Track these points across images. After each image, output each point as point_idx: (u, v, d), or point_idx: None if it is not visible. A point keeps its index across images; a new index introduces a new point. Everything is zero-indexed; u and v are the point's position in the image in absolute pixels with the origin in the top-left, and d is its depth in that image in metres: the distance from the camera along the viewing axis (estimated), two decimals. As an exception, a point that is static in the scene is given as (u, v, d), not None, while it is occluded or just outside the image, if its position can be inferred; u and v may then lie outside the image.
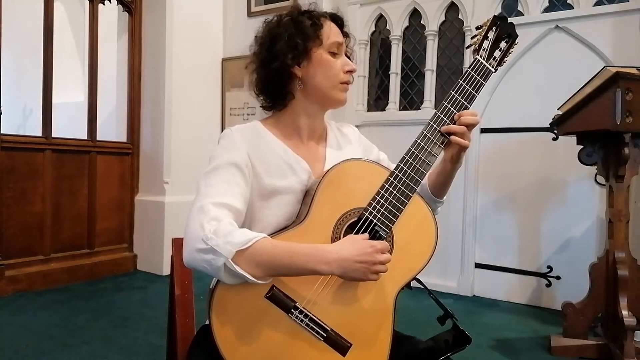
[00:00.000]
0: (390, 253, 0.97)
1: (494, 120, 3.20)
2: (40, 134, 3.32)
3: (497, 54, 1.05)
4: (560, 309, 2.34)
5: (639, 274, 2.20)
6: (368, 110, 3.74)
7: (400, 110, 3.63)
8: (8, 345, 2.24)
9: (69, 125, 3.66)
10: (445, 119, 1.01)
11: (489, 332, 2.57)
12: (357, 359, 0.95)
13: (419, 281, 1.06)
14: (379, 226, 0.96)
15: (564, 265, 3.03)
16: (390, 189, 0.96)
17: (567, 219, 3.03)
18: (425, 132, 1.00)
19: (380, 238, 0.96)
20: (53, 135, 3.33)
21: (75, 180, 3.48)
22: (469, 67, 1.03)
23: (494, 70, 1.04)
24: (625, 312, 2.06)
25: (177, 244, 1.13)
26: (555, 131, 2.51)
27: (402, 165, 0.98)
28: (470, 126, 1.01)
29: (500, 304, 3.16)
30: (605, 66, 2.15)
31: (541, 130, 2.98)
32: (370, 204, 0.96)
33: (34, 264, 3.21)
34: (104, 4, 3.67)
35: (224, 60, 4.15)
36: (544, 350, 2.33)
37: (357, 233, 0.95)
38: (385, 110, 3.66)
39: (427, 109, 3.45)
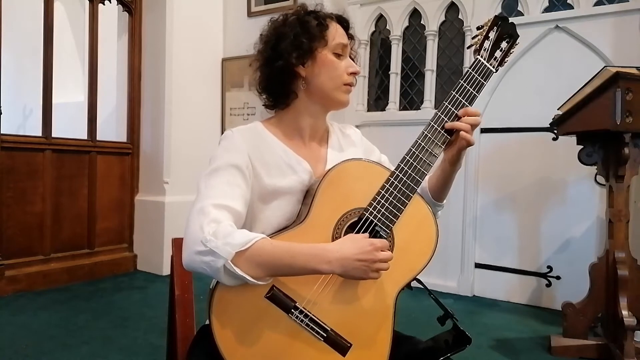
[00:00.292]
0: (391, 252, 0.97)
1: (494, 120, 3.20)
2: (40, 134, 3.32)
3: (498, 54, 1.05)
4: (560, 309, 2.34)
5: (639, 274, 2.21)
6: (368, 110, 3.74)
7: (400, 110, 3.63)
8: (8, 345, 2.24)
9: (69, 125, 3.66)
10: (445, 119, 1.01)
11: (489, 332, 2.57)
12: (357, 359, 0.95)
13: (419, 281, 1.06)
14: (380, 226, 0.96)
15: (564, 265, 3.03)
16: (391, 189, 0.96)
17: (567, 219, 3.03)
18: (425, 132, 1.00)
19: (380, 238, 0.96)
20: (53, 135, 3.33)
21: (75, 180, 3.48)
22: (470, 67, 1.03)
23: (494, 71, 1.04)
24: (625, 312, 2.06)
25: (177, 244, 1.12)
26: (555, 131, 2.51)
27: (402, 165, 0.98)
28: (472, 126, 1.01)
29: (500, 304, 3.16)
30: (605, 66, 2.15)
31: (541, 130, 2.98)
32: (370, 204, 0.96)
33: (34, 264, 3.21)
34: (104, 4, 3.67)
35: (224, 60, 4.15)
36: (544, 350, 2.33)
37: (357, 233, 0.95)
38: (385, 110, 3.66)
39: (427, 109, 3.45)
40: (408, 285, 1.00)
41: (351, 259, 0.87)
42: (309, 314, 0.92)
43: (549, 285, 3.08)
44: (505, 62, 1.06)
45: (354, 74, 1.06)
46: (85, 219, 3.55)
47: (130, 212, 3.85)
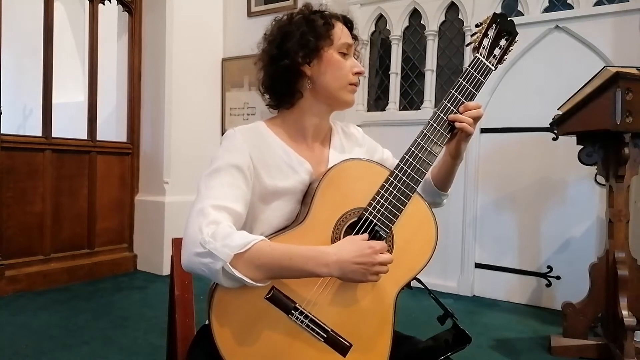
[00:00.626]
0: (390, 253, 0.97)
1: (494, 120, 3.20)
2: (40, 134, 3.32)
3: (497, 51, 1.04)
4: (560, 309, 2.34)
5: (639, 274, 2.20)
6: (368, 110, 3.75)
7: (400, 110, 3.64)
8: (8, 345, 2.23)
9: (69, 125, 3.66)
10: (445, 117, 1.01)
11: (489, 332, 2.57)
12: (357, 359, 0.95)
13: (419, 281, 1.06)
14: (379, 226, 0.95)
15: (564, 265, 3.03)
16: (390, 188, 0.96)
17: (567, 219, 3.03)
18: (425, 131, 1.00)
19: (380, 238, 0.96)
20: (53, 135, 3.33)
21: (75, 180, 3.48)
22: (469, 66, 1.03)
23: (494, 69, 1.04)
24: (625, 312, 2.06)
25: (177, 244, 1.12)
26: (555, 131, 2.51)
27: (402, 164, 0.98)
28: (475, 119, 1.01)
29: (500, 304, 3.16)
30: (605, 66, 2.15)
31: (541, 130, 2.98)
32: (370, 204, 0.96)
33: (34, 264, 3.21)
34: (104, 4, 3.67)
35: (224, 60, 4.15)
36: (544, 350, 2.33)
37: (357, 233, 0.95)
38: (385, 110, 3.66)
39: (427, 109, 3.45)
40: (408, 285, 1.00)
41: (350, 262, 0.87)
42: (309, 314, 0.92)
43: (549, 285, 3.08)
44: (504, 60, 1.06)
45: (358, 73, 1.06)
46: (85, 219, 3.55)
47: (130, 212, 3.85)
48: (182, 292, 1.12)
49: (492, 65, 1.04)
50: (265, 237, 0.93)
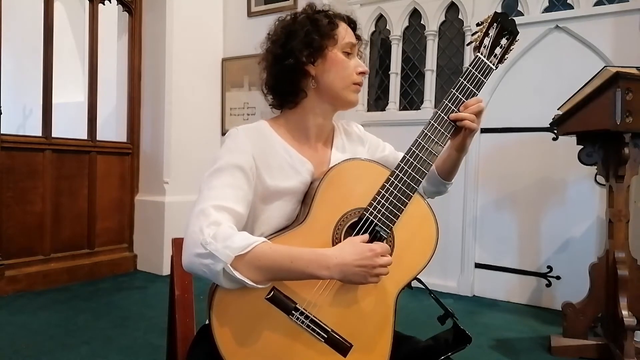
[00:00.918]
0: (391, 253, 0.97)
1: (494, 120, 3.20)
2: (40, 134, 3.32)
3: (497, 51, 1.04)
4: (560, 309, 2.34)
5: (639, 274, 2.20)
6: (368, 110, 3.75)
7: (400, 110, 3.64)
8: (8, 345, 2.23)
9: (69, 125, 3.66)
10: (446, 117, 1.01)
11: (489, 332, 2.57)
12: None
13: (419, 281, 1.06)
14: (380, 226, 0.95)
15: (564, 265, 3.03)
16: (391, 188, 0.96)
17: (567, 219, 3.03)
18: (426, 131, 1.00)
19: (380, 238, 0.96)
20: (53, 135, 3.33)
21: (75, 180, 3.48)
22: (470, 65, 1.03)
23: (494, 68, 1.04)
24: (625, 312, 2.05)
25: (177, 244, 1.12)
26: (555, 131, 2.51)
27: (402, 164, 0.98)
28: (477, 114, 1.02)
29: (500, 304, 3.16)
30: (605, 66, 2.15)
31: (541, 130, 2.98)
32: (370, 204, 0.96)
33: (34, 264, 3.21)
34: (104, 4, 3.67)
35: (224, 60, 4.15)
36: (544, 350, 2.33)
37: (357, 233, 0.95)
38: (385, 110, 3.66)
39: (427, 109, 3.45)
40: (408, 285, 1.00)
41: (351, 264, 0.87)
42: (309, 315, 0.92)
43: (549, 285, 3.08)
44: (505, 59, 1.06)
45: (362, 73, 1.06)
46: (85, 219, 3.55)
47: (130, 212, 3.85)
48: (182, 292, 1.12)
49: (493, 64, 1.03)
50: (266, 237, 0.93)
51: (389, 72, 3.65)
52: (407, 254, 0.98)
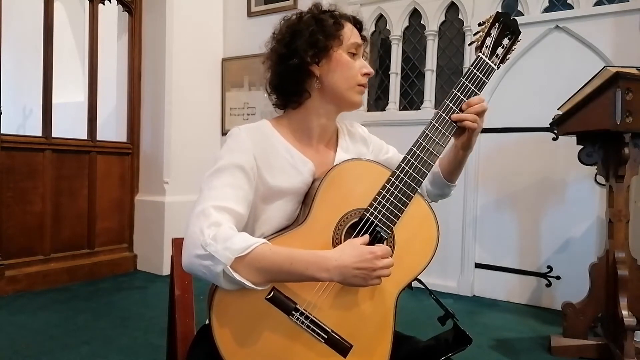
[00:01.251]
0: (392, 254, 0.97)
1: (494, 120, 3.19)
2: (40, 134, 3.32)
3: (499, 51, 1.04)
4: (560, 309, 2.34)
5: (639, 274, 2.20)
6: (368, 110, 3.75)
7: (400, 110, 3.64)
8: (8, 345, 2.23)
9: (69, 125, 3.66)
10: (447, 118, 1.00)
11: (489, 332, 2.57)
12: (357, 360, 0.95)
13: (419, 281, 1.05)
14: (380, 227, 0.95)
15: (564, 265, 3.03)
16: (392, 189, 0.96)
17: (567, 219, 3.03)
18: (427, 131, 1.00)
19: (381, 239, 0.96)
20: (53, 135, 3.33)
21: (75, 180, 3.48)
22: (471, 65, 1.02)
23: (496, 68, 1.03)
24: (625, 312, 2.05)
25: (177, 244, 1.12)
26: (555, 131, 2.51)
27: (403, 165, 0.98)
28: (480, 114, 1.01)
29: (500, 304, 3.16)
30: (605, 66, 2.15)
31: (541, 130, 2.99)
32: (371, 205, 0.96)
33: (34, 264, 3.21)
34: (104, 4, 3.67)
35: (224, 60, 4.15)
36: (544, 350, 2.33)
37: (358, 233, 0.95)
38: (385, 110, 3.66)
39: (427, 109, 3.45)
40: (409, 285, 1.00)
41: (351, 267, 0.87)
42: (309, 315, 0.92)
43: (549, 285, 3.08)
44: (507, 59, 1.05)
45: (367, 74, 1.06)
46: (85, 219, 3.55)
47: (130, 212, 3.85)
48: (182, 292, 1.12)
49: (495, 64, 1.03)
50: (266, 237, 0.93)
51: (389, 72, 3.65)
52: (407, 255, 0.98)
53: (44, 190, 3.28)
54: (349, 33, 1.04)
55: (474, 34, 1.07)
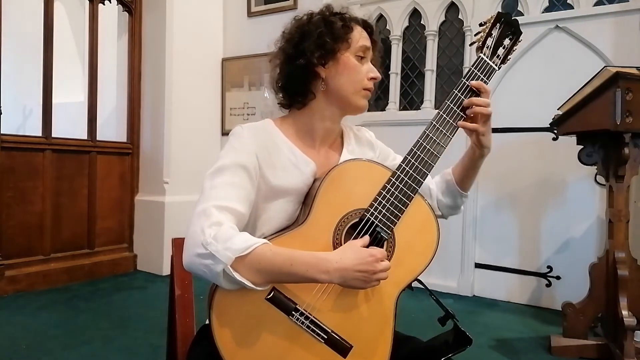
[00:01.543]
0: (392, 254, 0.97)
1: (494, 120, 3.11)
2: (40, 134, 3.32)
3: (500, 51, 1.04)
4: (560, 309, 2.34)
5: (639, 274, 2.20)
6: (368, 110, 3.71)
7: (400, 110, 3.64)
8: (8, 345, 2.23)
9: (69, 125, 3.66)
10: (448, 118, 1.00)
11: (489, 332, 2.57)
12: (358, 360, 0.95)
13: (419, 281, 1.05)
14: (381, 227, 0.95)
15: (564, 265, 3.03)
16: (392, 189, 0.96)
17: (567, 219, 3.03)
18: (427, 132, 1.00)
19: (381, 239, 0.96)
20: (53, 135, 3.33)
21: (75, 180, 3.48)
22: (472, 65, 1.02)
23: (497, 69, 1.03)
24: (625, 312, 2.05)
25: (177, 244, 1.12)
26: (555, 131, 2.51)
27: (403, 165, 0.97)
28: (483, 119, 1.01)
29: (500, 304, 3.16)
30: (605, 66, 2.15)
31: (541, 130, 2.99)
32: (371, 205, 0.95)
33: (34, 264, 3.21)
34: (104, 4, 3.67)
35: (224, 60, 4.15)
36: (544, 350, 2.33)
37: (358, 234, 0.95)
38: (385, 110, 3.66)
39: (427, 109, 3.45)
40: (409, 286, 1.00)
41: (351, 270, 0.87)
42: (309, 315, 0.92)
43: (549, 285, 3.08)
44: (508, 60, 1.05)
45: (374, 79, 1.05)
46: (85, 219, 3.55)
47: (130, 212, 3.85)
48: (182, 292, 1.12)
49: (496, 65, 1.03)
50: (266, 237, 0.93)
51: (389, 72, 3.65)
52: (407, 255, 0.98)
53: (44, 190, 3.28)
54: (358, 36, 1.03)
55: (475, 34, 1.06)
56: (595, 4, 2.97)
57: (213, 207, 0.90)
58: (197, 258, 0.85)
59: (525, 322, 2.79)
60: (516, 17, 1.15)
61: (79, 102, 4.43)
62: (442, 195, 1.17)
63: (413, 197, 0.97)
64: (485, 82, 1.02)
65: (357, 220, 0.96)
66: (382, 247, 0.96)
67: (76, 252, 3.47)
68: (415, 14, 3.59)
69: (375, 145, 1.19)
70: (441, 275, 3.32)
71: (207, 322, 0.95)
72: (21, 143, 3.18)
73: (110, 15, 3.91)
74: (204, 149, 3.95)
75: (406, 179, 0.97)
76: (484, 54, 1.02)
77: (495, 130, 3.24)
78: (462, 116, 1.01)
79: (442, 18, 3.48)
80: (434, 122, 1.00)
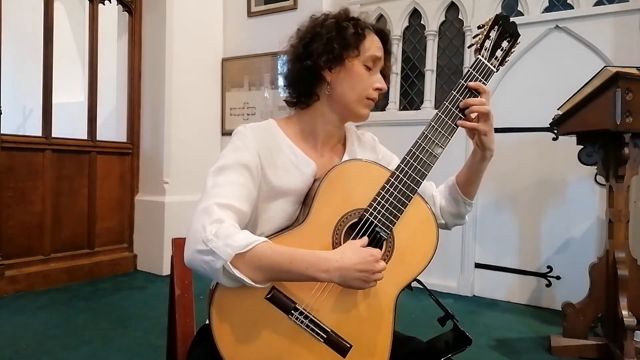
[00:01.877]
0: (391, 254, 0.97)
1: (494, 120, 3.19)
2: (40, 134, 3.32)
3: (498, 53, 1.04)
4: (560, 309, 2.34)
5: (639, 274, 2.20)
6: (368, 110, 3.74)
7: (400, 110, 3.64)
8: (8, 345, 2.23)
9: (69, 125, 3.66)
10: (446, 119, 1.00)
11: (489, 332, 2.57)
12: (357, 360, 0.95)
13: (419, 282, 1.05)
14: (380, 227, 0.95)
15: (564, 265, 3.03)
16: (391, 189, 0.96)
17: (567, 219, 3.03)
18: (426, 133, 1.00)
19: (380, 239, 0.96)
20: (53, 135, 3.33)
21: (75, 180, 3.48)
22: (471, 67, 1.02)
23: (495, 70, 1.03)
24: (625, 312, 2.05)
25: (177, 244, 1.12)
26: (555, 131, 2.51)
27: (402, 165, 0.98)
28: (481, 117, 1.01)
29: (500, 304, 3.16)
30: (605, 66, 2.15)
31: (541, 130, 2.99)
32: (370, 205, 0.96)
33: (34, 264, 3.21)
34: (104, 4, 3.67)
35: (224, 60, 4.15)
36: (544, 350, 2.33)
37: (357, 234, 0.95)
38: (385, 110, 3.66)
39: (427, 109, 3.45)
40: (408, 286, 1.00)
41: (351, 269, 0.87)
42: (309, 315, 0.92)
43: (549, 285, 3.08)
44: (506, 62, 1.06)
45: (379, 89, 1.05)
46: (85, 219, 3.55)
47: (130, 212, 3.85)
48: (182, 292, 1.12)
49: (494, 66, 1.03)
50: (266, 237, 0.93)
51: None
52: (407, 255, 0.98)
53: (44, 190, 3.28)
54: (369, 45, 1.03)
55: (473, 37, 1.07)
56: (595, 4, 2.97)
57: (215, 204, 0.90)
58: (198, 254, 0.86)
59: (525, 322, 2.79)
60: (515, 17, 1.15)
61: (79, 102, 4.43)
62: (445, 201, 1.16)
63: (412, 197, 0.97)
64: (483, 83, 1.02)
65: (356, 220, 0.96)
66: (381, 247, 0.96)
67: (76, 252, 3.47)
68: (415, 14, 3.59)
69: (377, 149, 1.19)
70: (441, 275, 3.33)
71: (207, 322, 0.95)
72: (21, 143, 3.18)
73: (110, 15, 3.91)
74: (204, 149, 3.96)
75: (405, 179, 0.97)
76: (482, 56, 1.03)
77: (495, 130, 3.20)
78: (460, 117, 1.01)
79: (442, 18, 3.48)
80: (432, 123, 1.00)
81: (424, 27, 3.53)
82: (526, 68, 3.15)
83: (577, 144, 2.30)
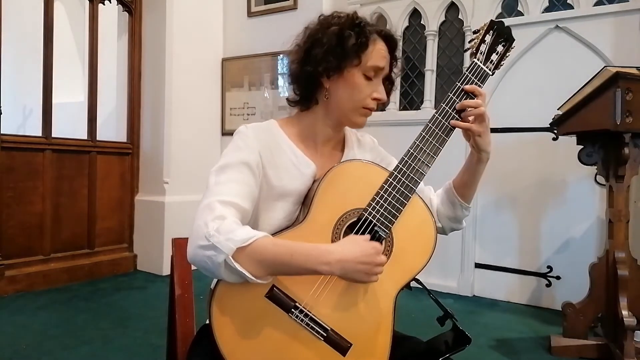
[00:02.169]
0: (390, 253, 0.97)
1: (494, 120, 3.12)
2: (40, 134, 3.32)
3: (494, 57, 1.05)
4: (560, 309, 2.34)
5: (639, 274, 2.21)
6: (368, 110, 3.74)
7: (400, 110, 3.64)
8: (8, 345, 2.24)
9: (69, 125, 3.66)
10: (443, 121, 1.01)
11: (489, 332, 2.57)
12: (357, 359, 0.95)
13: (418, 281, 1.06)
14: (379, 226, 0.95)
15: (564, 265, 3.03)
16: (390, 189, 0.97)
17: (567, 219, 3.03)
18: (424, 134, 1.00)
19: (379, 238, 0.96)
20: (53, 135, 3.33)
21: (75, 180, 3.48)
22: (467, 70, 1.03)
23: (491, 74, 1.05)
24: (625, 312, 2.06)
25: (177, 244, 1.13)
26: (555, 131, 2.51)
27: (400, 166, 0.98)
28: (476, 118, 1.01)
29: (500, 304, 3.16)
30: (605, 66, 2.15)
31: (541, 130, 2.99)
32: (369, 205, 0.96)
33: (34, 264, 3.21)
34: (104, 4, 3.67)
35: (224, 60, 4.15)
36: (544, 350, 2.33)
37: (356, 233, 0.95)
38: (385, 110, 3.66)
39: (427, 109, 3.45)
40: (407, 286, 1.00)
41: (353, 261, 0.87)
42: (309, 313, 0.92)
43: (549, 285, 3.08)
44: (501, 65, 1.07)
45: (377, 99, 1.04)
46: (85, 219, 3.55)
47: (130, 212, 3.85)
48: (182, 292, 1.12)
49: (490, 70, 1.04)
50: (267, 235, 0.93)
51: (389, 72, 3.65)
52: (406, 255, 0.98)
53: (44, 190, 3.28)
54: (372, 55, 1.02)
55: (469, 41, 1.08)
56: (595, 4, 2.97)
57: (217, 201, 0.91)
58: (200, 250, 0.86)
59: (525, 322, 2.79)
60: (513, 21, 1.15)
61: (79, 102, 4.43)
62: (442, 204, 1.16)
63: (410, 197, 0.97)
64: (479, 86, 1.02)
65: (355, 219, 0.97)
66: (380, 246, 0.97)
67: (76, 252, 3.48)
68: (415, 14, 3.59)
69: (377, 151, 1.19)
70: (441, 275, 3.33)
71: (207, 322, 0.95)
72: (21, 143, 3.18)
73: (110, 15, 3.91)
74: (204, 149, 3.96)
75: (403, 179, 0.97)
76: (478, 59, 1.04)
77: (495, 130, 3.26)
78: (457, 119, 1.02)
79: (442, 18, 3.48)
80: (429, 124, 1.01)
81: (424, 27, 3.53)
82: (526, 68, 3.15)
83: (577, 144, 2.30)
